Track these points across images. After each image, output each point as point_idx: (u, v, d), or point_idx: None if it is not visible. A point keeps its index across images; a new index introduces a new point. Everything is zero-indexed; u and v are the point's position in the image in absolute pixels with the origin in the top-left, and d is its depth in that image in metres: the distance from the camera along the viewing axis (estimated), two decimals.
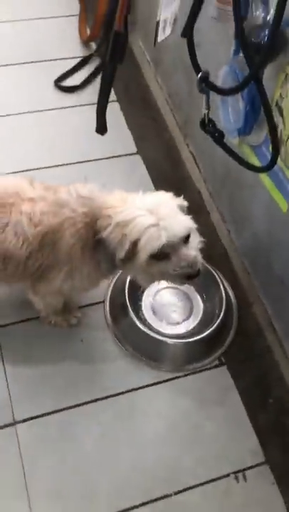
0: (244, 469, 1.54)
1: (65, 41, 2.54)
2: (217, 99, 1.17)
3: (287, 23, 0.81)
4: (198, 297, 1.83)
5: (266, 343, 1.74)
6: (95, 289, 1.58)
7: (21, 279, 1.48)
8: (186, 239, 1.26)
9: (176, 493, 1.49)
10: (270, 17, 0.82)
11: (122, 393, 1.63)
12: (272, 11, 0.79)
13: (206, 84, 1.06)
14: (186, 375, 1.69)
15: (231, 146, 1.22)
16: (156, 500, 1.48)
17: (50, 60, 2.45)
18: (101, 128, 1.50)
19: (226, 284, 1.82)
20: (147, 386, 1.65)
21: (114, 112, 2.31)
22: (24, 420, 1.56)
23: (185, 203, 1.34)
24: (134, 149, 2.21)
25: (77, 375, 1.65)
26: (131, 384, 1.65)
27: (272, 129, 0.92)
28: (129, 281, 1.72)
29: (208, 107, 1.13)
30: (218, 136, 1.12)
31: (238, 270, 1.87)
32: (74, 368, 1.66)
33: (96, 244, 1.34)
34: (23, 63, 2.43)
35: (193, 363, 1.69)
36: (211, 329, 1.67)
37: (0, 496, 1.45)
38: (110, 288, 1.81)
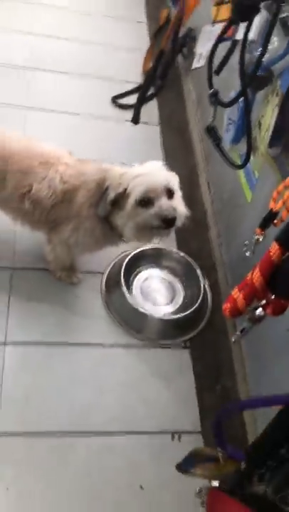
0: (181, 432, 1.81)
1: (129, 68, 3.00)
2: (224, 116, 1.54)
3: (272, 62, 1.18)
4: (182, 291, 2.15)
5: (228, 341, 2.03)
6: (96, 252, 1.93)
7: (42, 226, 1.84)
8: (170, 195, 1.57)
9: (119, 433, 1.77)
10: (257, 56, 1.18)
11: (98, 345, 1.94)
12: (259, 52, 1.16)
13: (215, 99, 1.44)
14: (155, 348, 1.99)
15: (227, 151, 1.58)
16: (101, 434, 1.75)
17: (114, 80, 2.91)
18: (135, 118, 1.85)
19: (207, 286, 2.14)
20: (120, 346, 1.96)
21: (153, 132, 2.74)
22: (13, 343, 1.87)
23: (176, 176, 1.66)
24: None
25: (66, 321, 1.97)
26: (108, 341, 1.96)
27: (248, 137, 1.27)
28: (126, 264, 2.06)
29: (214, 117, 1.50)
30: (216, 141, 1.49)
31: (220, 278, 2.19)
32: (66, 316, 1.99)
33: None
34: (90, 76, 2.88)
35: (163, 339, 2.00)
36: (182, 314, 1.99)
37: None
38: (110, 265, 2.15)
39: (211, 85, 1.45)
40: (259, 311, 0.97)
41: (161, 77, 2.86)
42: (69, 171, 1.71)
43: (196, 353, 2.01)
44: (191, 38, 2.82)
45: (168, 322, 2.00)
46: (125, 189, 1.56)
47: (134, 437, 1.77)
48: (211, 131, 1.50)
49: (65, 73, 2.85)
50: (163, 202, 1.53)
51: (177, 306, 2.10)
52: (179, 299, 2.13)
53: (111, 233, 1.76)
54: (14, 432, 1.69)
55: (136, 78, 2.96)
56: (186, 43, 2.85)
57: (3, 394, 1.76)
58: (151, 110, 2.84)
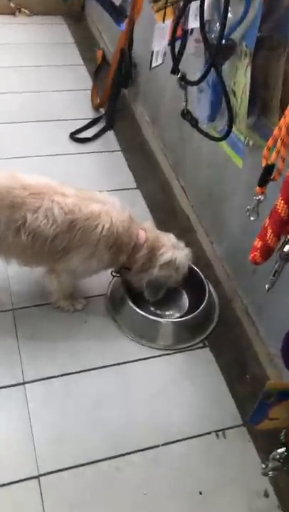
0: (224, 429, 1.75)
1: (79, 107, 3.11)
2: (194, 97, 1.60)
3: (232, 30, 1.25)
4: (184, 294, 2.15)
5: (243, 329, 2.02)
6: (96, 276, 1.94)
7: (44, 258, 1.80)
8: None
9: (163, 445, 1.69)
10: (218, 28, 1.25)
11: (119, 364, 1.89)
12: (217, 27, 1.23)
13: (184, 81, 1.50)
14: (174, 353, 1.95)
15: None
16: (145, 449, 1.68)
17: (67, 119, 2.99)
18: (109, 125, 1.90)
19: (210, 285, 2.14)
20: (141, 359, 1.92)
21: (117, 158, 2.81)
22: (32, 381, 1.80)
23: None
24: (135, 185, 2.65)
25: (80, 348, 1.92)
26: (127, 357, 1.91)
27: (228, 104, 1.32)
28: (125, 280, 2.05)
29: (186, 100, 1.56)
30: (194, 123, 1.54)
31: (219, 273, 2.20)
32: (78, 343, 1.93)
33: (117, 250, 1.79)
34: (44, 121, 2.96)
35: (180, 343, 1.97)
36: (195, 313, 1.97)
37: (8, 442, 1.65)
38: (111, 284, 2.13)
39: (177, 70, 1.51)
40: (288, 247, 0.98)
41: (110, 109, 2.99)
42: (71, 201, 1.71)
43: (217, 349, 1.98)
44: (133, 64, 2.95)
45: (182, 324, 1.98)
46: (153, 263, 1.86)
47: (178, 445, 1.70)
48: (187, 115, 1.56)
49: (15, 123, 2.91)
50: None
51: (185, 309, 2.08)
52: (184, 303, 2.12)
53: (114, 263, 1.87)
54: (55, 469, 1.60)
55: (87, 115, 3.05)
56: (129, 72, 2.98)
57: (34, 436, 1.67)
58: (109, 140, 2.92)
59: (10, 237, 1.70)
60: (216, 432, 1.75)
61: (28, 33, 3.73)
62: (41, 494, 1.55)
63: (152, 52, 1.60)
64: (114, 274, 1.98)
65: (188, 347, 1.98)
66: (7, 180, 1.70)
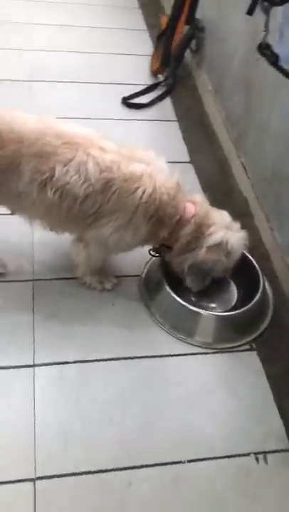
0: (266, 452, 1.42)
1: (136, 72, 2.81)
2: (276, 28, 1.28)
3: None
4: (234, 286, 1.82)
5: None
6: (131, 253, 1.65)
7: (72, 222, 1.53)
8: None
9: (189, 461, 1.38)
10: None
11: (147, 357, 1.59)
12: None
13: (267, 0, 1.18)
14: (214, 353, 1.63)
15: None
16: (166, 464, 1.37)
17: (122, 83, 2.70)
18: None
19: (265, 279, 1.80)
20: (173, 355, 1.61)
21: (172, 128, 2.50)
22: (44, 364, 1.53)
23: None
24: (188, 159, 2.33)
25: (102, 333, 1.63)
26: (157, 350, 1.61)
27: None
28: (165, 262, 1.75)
29: (266, 30, 1.23)
30: (273, 59, 1.21)
31: (278, 266, 1.86)
32: (101, 328, 1.65)
33: (158, 222, 1.49)
34: (97, 83, 2.69)
35: (222, 342, 1.64)
36: (244, 308, 1.64)
37: (6, 433, 1.39)
38: (147, 265, 1.83)
39: None
40: None
41: (173, 72, 2.68)
42: (109, 157, 1.43)
43: (266, 355, 1.64)
44: (199, 29, 2.64)
45: (227, 320, 1.65)
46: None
47: (207, 464, 1.38)
48: (265, 49, 1.23)
49: (71, 82, 2.65)
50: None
51: (231, 304, 1.75)
52: (232, 297, 1.79)
53: (152, 238, 1.56)
54: (54, 474, 1.32)
55: (144, 80, 2.75)
56: (194, 35, 2.66)
57: (37, 430, 1.40)
58: (166, 108, 2.61)
59: (34, 192, 1.43)
60: (255, 454, 1.42)
61: None
62: (35, 500, 1.28)
63: None
64: (152, 253, 1.67)
65: (232, 348, 1.65)
66: (40, 124, 1.43)
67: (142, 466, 1.36)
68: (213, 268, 1.57)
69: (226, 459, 1.40)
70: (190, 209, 1.53)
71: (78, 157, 1.40)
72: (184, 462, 1.38)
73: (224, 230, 1.53)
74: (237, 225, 1.59)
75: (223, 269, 1.60)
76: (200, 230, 1.52)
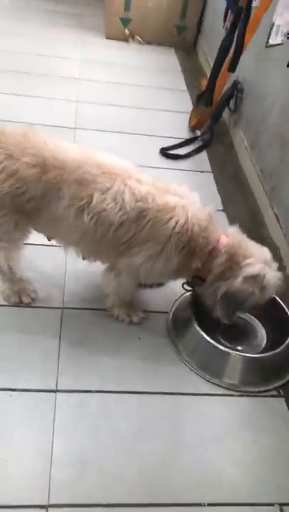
0: None
1: (175, 127, 2.95)
2: None
3: None
4: (262, 328, 1.79)
5: None
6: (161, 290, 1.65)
7: (105, 249, 1.55)
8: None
9: (209, 505, 1.31)
10: None
11: (170, 394, 1.55)
12: None
13: None
14: (239, 396, 1.58)
15: None
16: (184, 505, 1.30)
17: (162, 136, 2.83)
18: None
19: None
20: (198, 395, 1.56)
21: (207, 178, 2.58)
22: (66, 390, 1.51)
23: None
24: (221, 207, 2.38)
25: (128, 366, 1.61)
26: (182, 388, 1.57)
27: None
28: (194, 299, 1.74)
29: None
30: None
31: None
32: (126, 360, 1.63)
33: (190, 253, 1.50)
34: (139, 134, 2.82)
35: (248, 386, 1.60)
36: (273, 351, 1.60)
37: (23, 456, 1.35)
38: (177, 301, 1.83)
39: None
40: None
41: (211, 129, 2.79)
42: (145, 188, 1.48)
43: None
44: (238, 90, 2.78)
45: (255, 362, 1.61)
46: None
47: (228, 510, 1.30)
48: None
49: (115, 132, 2.79)
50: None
51: (259, 349, 1.72)
52: (261, 342, 1.76)
53: (184, 269, 1.55)
54: (67, 503, 1.27)
55: (183, 135, 2.87)
56: (232, 94, 2.80)
57: (54, 456, 1.36)
58: (202, 161, 2.70)
59: (71, 217, 1.47)
60: (281, 505, 1.33)
61: (139, 57, 3.73)
62: None
63: (272, 25, 1.36)
64: (185, 287, 1.67)
65: (258, 392, 1.60)
66: (82, 155, 1.50)
67: (158, 505, 1.29)
68: (246, 300, 1.55)
69: (249, 507, 1.32)
70: (223, 240, 1.54)
71: (116, 186, 1.46)
72: (204, 505, 1.30)
73: (262, 265, 1.53)
74: (275, 265, 1.59)
75: (254, 304, 1.57)
76: (233, 260, 1.52)
